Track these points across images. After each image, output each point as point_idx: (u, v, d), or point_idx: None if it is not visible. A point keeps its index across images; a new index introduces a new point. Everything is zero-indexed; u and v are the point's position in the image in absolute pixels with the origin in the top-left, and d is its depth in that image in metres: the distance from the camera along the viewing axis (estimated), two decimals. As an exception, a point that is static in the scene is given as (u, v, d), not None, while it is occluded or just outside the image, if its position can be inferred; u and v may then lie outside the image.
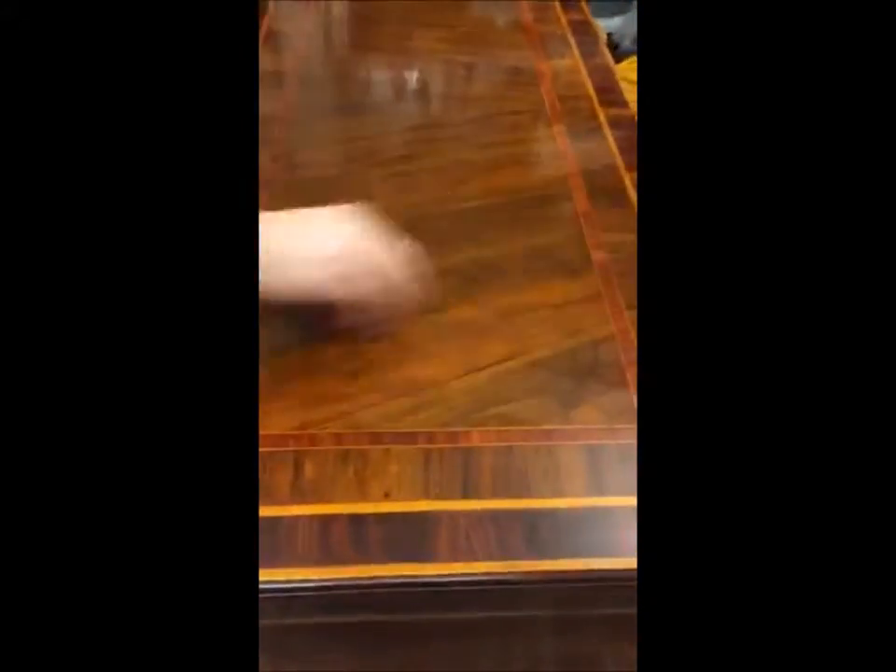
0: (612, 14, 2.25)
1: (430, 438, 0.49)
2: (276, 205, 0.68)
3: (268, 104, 0.81)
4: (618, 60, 1.28)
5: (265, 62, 0.90)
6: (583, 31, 0.99)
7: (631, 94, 0.86)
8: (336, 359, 0.55)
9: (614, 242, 0.65)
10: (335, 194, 0.70)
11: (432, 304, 0.59)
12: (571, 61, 0.92)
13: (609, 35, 2.13)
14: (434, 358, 0.55)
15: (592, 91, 0.85)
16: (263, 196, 0.69)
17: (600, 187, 0.72)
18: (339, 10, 1.10)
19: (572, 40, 0.96)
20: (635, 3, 2.28)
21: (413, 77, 0.94)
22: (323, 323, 0.54)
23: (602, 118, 0.81)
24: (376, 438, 0.49)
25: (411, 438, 0.49)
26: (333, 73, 0.95)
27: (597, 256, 0.64)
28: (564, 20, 1.01)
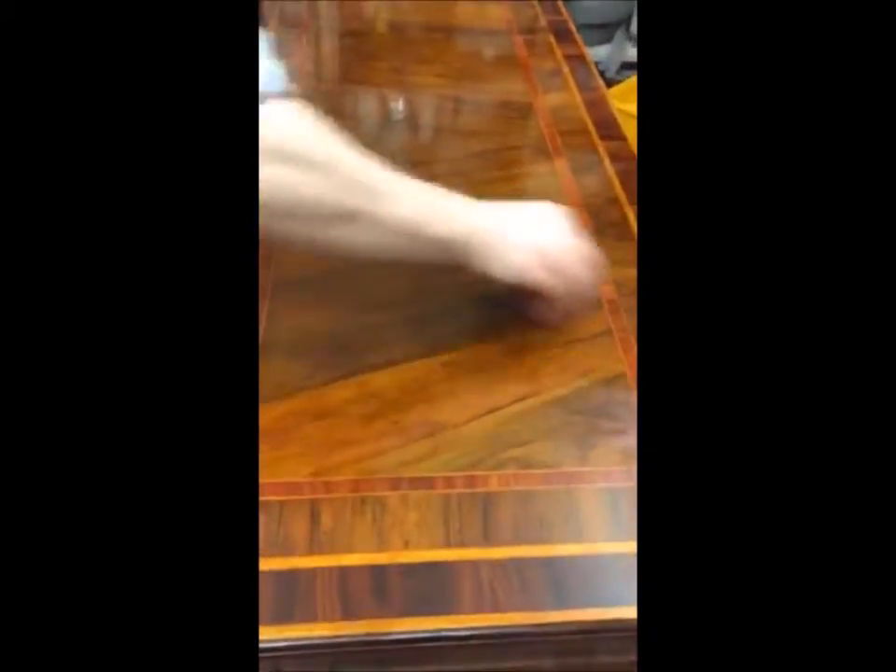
0: (598, 42, 2.28)
1: (449, 482, 0.49)
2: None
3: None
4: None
5: (263, 97, 0.90)
6: (579, 64, 1.00)
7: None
8: (349, 402, 0.54)
9: (621, 277, 0.65)
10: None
11: (444, 344, 0.58)
12: (568, 94, 0.93)
13: (596, 63, 2.17)
14: (449, 399, 0.54)
15: (591, 125, 0.86)
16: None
17: (604, 221, 0.72)
18: (331, 46, 1.11)
19: (568, 74, 0.97)
20: (620, 31, 2.32)
21: (409, 112, 0.95)
22: (525, 305, 0.59)
23: (602, 151, 0.82)
24: (394, 483, 0.48)
25: (429, 483, 0.48)
26: (328, 108, 0.95)
27: (605, 291, 0.64)
28: (559, 53, 1.02)
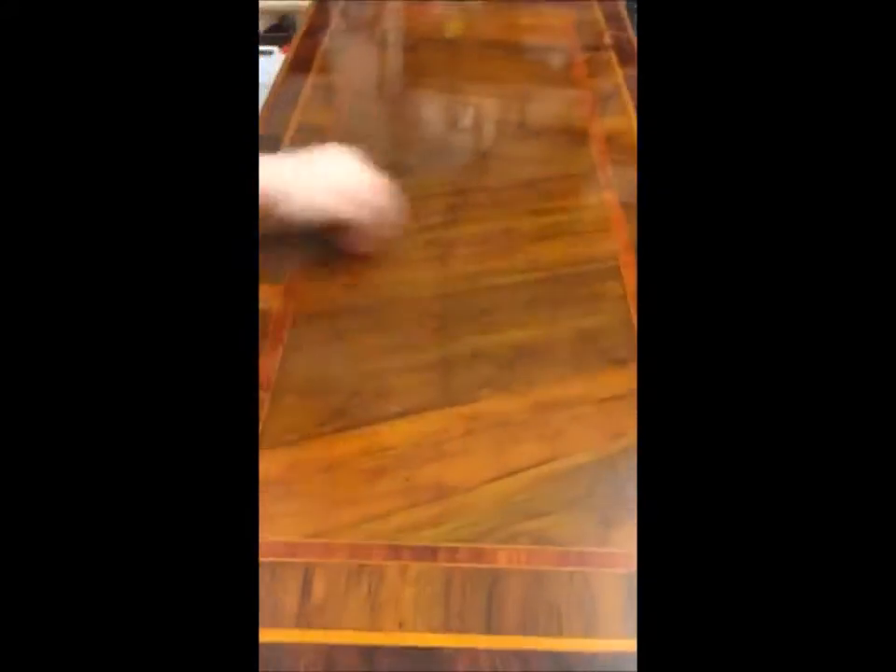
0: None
1: (453, 555, 0.45)
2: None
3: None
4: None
5: (311, 114, 0.89)
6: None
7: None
8: (357, 454, 0.51)
9: (666, 327, 0.59)
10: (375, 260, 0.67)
11: (464, 395, 0.54)
12: (625, 119, 0.87)
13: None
14: (462, 458, 0.51)
15: (647, 154, 0.80)
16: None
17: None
18: (393, 56, 1.09)
19: (627, 97, 0.92)
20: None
21: (460, 134, 0.91)
22: (333, 240, 0.64)
23: (657, 183, 0.76)
24: (394, 551, 0.45)
25: (431, 553, 0.45)
26: (379, 129, 0.93)
27: (647, 343, 0.59)
28: (620, 74, 0.97)
